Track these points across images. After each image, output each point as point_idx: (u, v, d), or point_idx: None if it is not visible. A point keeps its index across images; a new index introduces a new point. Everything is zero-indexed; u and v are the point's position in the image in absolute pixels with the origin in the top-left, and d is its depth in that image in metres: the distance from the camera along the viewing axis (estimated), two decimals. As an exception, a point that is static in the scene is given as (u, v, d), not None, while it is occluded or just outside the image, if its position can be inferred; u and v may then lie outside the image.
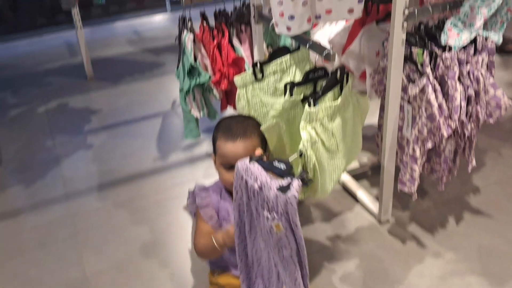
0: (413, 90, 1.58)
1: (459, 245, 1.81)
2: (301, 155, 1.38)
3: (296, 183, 1.15)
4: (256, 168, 1.20)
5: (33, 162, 2.53)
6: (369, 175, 2.22)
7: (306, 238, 1.87)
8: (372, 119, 1.95)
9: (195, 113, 2.02)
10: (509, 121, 2.56)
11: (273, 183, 1.17)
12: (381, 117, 1.87)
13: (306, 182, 1.18)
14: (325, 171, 1.47)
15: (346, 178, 2.14)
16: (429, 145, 1.59)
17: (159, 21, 4.70)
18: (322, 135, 1.41)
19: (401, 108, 1.70)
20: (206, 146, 2.52)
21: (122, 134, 2.73)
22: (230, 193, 1.50)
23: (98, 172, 2.41)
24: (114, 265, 1.85)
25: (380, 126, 1.87)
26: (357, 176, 2.18)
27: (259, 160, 1.22)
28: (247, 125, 1.48)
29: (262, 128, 1.46)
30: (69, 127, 2.85)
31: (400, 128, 1.76)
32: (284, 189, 1.15)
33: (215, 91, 2.00)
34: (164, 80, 3.38)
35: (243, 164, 1.22)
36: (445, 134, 1.52)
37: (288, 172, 1.20)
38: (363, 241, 1.86)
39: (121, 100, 3.12)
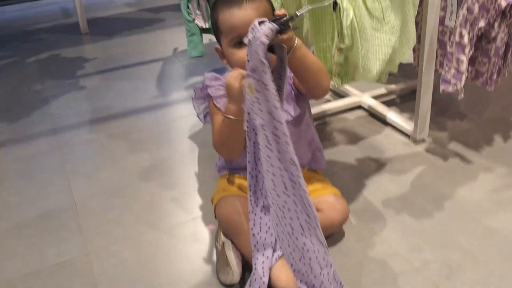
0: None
1: (511, 160, 1.55)
2: (334, 7, 1.13)
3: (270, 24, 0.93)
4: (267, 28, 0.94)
5: (21, 103, 2.27)
6: (398, 102, 1.96)
7: (329, 159, 1.62)
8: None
9: (200, 22, 1.77)
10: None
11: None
12: (418, 13, 1.62)
13: (290, 19, 0.96)
14: (367, 41, 1.21)
15: (372, 102, 1.89)
16: (481, 23, 1.34)
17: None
18: None
19: (444, -8, 1.45)
20: (211, 85, 2.27)
21: (118, 77, 2.47)
22: None
23: (91, 109, 2.15)
24: (107, 190, 1.58)
25: (416, 24, 1.62)
26: (384, 103, 1.92)
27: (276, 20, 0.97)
28: None
29: None
30: (60, 72, 2.59)
31: (441, 21, 1.51)
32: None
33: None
34: (164, 33, 3.13)
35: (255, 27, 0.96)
36: (503, 3, 1.27)
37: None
38: (397, 160, 1.60)
39: (117, 50, 2.86)
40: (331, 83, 1.34)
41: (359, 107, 1.93)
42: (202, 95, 1.31)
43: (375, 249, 1.24)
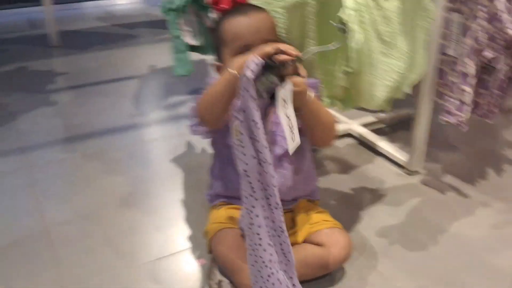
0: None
1: (508, 195, 1.51)
2: (343, 30, 1.06)
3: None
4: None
5: (-17, 117, 2.11)
6: (387, 131, 1.91)
7: (322, 189, 1.54)
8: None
9: (188, 39, 1.67)
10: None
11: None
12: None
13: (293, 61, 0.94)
14: (375, 67, 1.15)
15: (362, 130, 1.83)
16: (489, 53, 1.30)
17: (131, 1, 4.34)
18: (374, 11, 1.09)
19: (445, 22, 1.41)
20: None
21: (91, 92, 2.34)
22: None
23: (63, 126, 2.00)
24: (83, 215, 1.45)
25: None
26: (374, 131, 1.86)
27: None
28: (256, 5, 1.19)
29: (284, 5, 1.13)
30: (29, 86, 2.43)
31: (443, 50, 1.46)
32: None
33: (210, 14, 1.66)
34: (139, 49, 3.01)
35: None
36: (511, 32, 1.23)
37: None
38: (392, 191, 1.54)
39: (90, 64, 2.72)
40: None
41: (349, 134, 1.86)
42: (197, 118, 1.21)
43: (379, 289, 1.17)
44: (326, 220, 1.22)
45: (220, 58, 1.17)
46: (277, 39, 1.13)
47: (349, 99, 1.24)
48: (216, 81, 1.07)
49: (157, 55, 2.82)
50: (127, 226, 1.40)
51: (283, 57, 0.94)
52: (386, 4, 1.11)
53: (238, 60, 1.00)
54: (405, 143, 1.78)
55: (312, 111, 1.07)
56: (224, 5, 1.66)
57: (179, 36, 1.67)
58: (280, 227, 0.96)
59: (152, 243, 1.33)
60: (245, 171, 0.91)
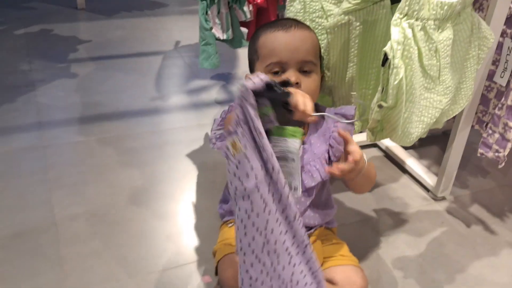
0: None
1: (538, 236, 1.43)
2: (384, 62, 0.97)
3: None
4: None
5: (4, 83, 2.06)
6: (416, 145, 1.82)
7: (341, 207, 1.47)
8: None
9: (217, 32, 1.58)
10: None
11: None
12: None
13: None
14: (414, 103, 1.06)
15: (390, 143, 1.74)
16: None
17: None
18: (421, 43, 0.99)
19: (498, 47, 1.30)
20: (215, 93, 2.09)
21: (114, 67, 2.27)
22: None
23: (82, 103, 1.95)
24: (92, 211, 1.40)
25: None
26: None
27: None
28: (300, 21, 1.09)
29: (326, 25, 1.04)
30: (51, 53, 2.37)
31: (490, 76, 1.36)
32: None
33: (245, 7, 1.56)
34: (166, 20, 2.92)
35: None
36: None
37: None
38: (415, 218, 1.46)
39: (115, 33, 2.65)
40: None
41: (375, 145, 1.78)
42: (221, 132, 1.13)
43: (391, 334, 1.11)
44: (343, 255, 1.15)
45: (252, 71, 1.10)
46: (317, 61, 1.05)
47: (380, 131, 1.15)
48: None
49: (184, 29, 2.73)
50: (137, 229, 1.35)
51: (292, 90, 0.85)
52: (437, 35, 1.00)
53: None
54: (435, 161, 1.69)
55: (364, 175, 0.99)
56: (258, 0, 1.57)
57: (208, 28, 1.58)
58: (303, 241, 0.87)
59: (160, 253, 1.28)
60: (256, 185, 0.83)
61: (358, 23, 1.07)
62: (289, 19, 1.11)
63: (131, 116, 1.89)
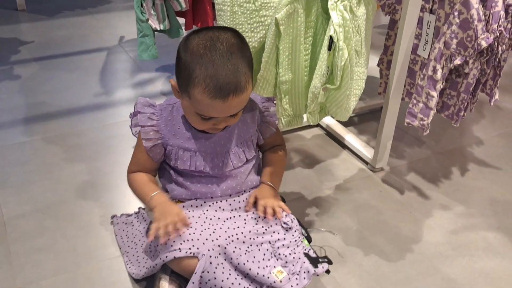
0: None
1: (468, 198, 1.52)
2: (330, 46, 1.02)
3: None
4: None
5: None
6: (356, 121, 1.89)
7: (285, 183, 1.53)
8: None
9: (154, 24, 1.61)
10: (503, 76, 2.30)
11: None
12: (389, 36, 1.54)
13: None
14: (352, 79, 1.12)
15: (330, 121, 1.81)
16: (458, 61, 1.27)
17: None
18: (351, 23, 1.05)
19: (419, 21, 1.37)
20: (161, 85, 2.11)
21: (57, 66, 2.27)
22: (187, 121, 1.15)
23: (25, 104, 1.95)
24: (39, 208, 1.42)
25: (386, 48, 1.54)
26: (342, 122, 1.84)
27: None
28: (236, 61, 1.02)
29: (278, 16, 1.06)
30: (-9, 56, 2.35)
31: (414, 49, 1.43)
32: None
33: (180, -2, 1.59)
34: (110, 16, 2.91)
35: None
36: (484, 44, 1.21)
37: None
38: (355, 189, 1.53)
39: (58, 33, 2.63)
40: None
41: (317, 124, 1.84)
42: (135, 122, 1.22)
43: (332, 298, 1.17)
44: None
45: (179, 88, 1.09)
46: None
47: (320, 113, 1.21)
48: (138, 164, 1.20)
49: (128, 24, 2.73)
50: (86, 222, 1.38)
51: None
52: (358, 12, 1.07)
53: (197, 125, 1.10)
54: (374, 135, 1.77)
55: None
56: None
57: (144, 20, 1.60)
58: None
59: (110, 242, 1.31)
60: None
61: (301, 10, 1.09)
62: (227, 71, 1.01)
63: (75, 113, 1.90)
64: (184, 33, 1.77)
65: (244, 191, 1.20)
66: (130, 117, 1.23)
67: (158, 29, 1.66)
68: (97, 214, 1.40)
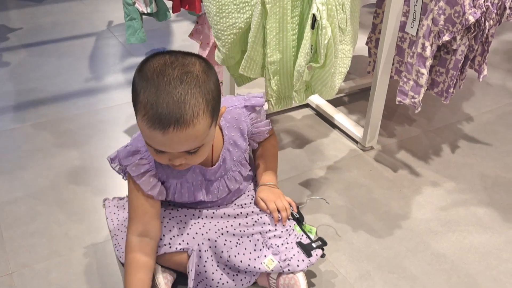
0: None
1: (458, 174, 1.53)
2: (313, 24, 1.02)
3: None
4: None
5: None
6: (346, 101, 1.90)
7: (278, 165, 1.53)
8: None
9: (140, 7, 1.60)
10: (493, 53, 2.31)
11: None
12: (377, 15, 1.54)
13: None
14: (337, 58, 1.12)
15: (320, 101, 1.81)
16: (446, 37, 1.27)
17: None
18: (334, 1, 1.05)
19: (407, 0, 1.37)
20: (150, 68, 2.10)
21: (46, 52, 2.25)
22: None
23: (15, 91, 1.94)
24: (31, 193, 1.42)
25: (374, 26, 1.54)
26: (331, 102, 1.84)
27: None
28: (185, 91, 0.90)
29: None
30: (-21, 43, 2.33)
31: (402, 27, 1.43)
32: None
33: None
34: (98, 1, 2.88)
35: None
36: (472, 19, 1.21)
37: None
38: (345, 168, 1.54)
39: (46, 19, 2.61)
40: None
41: (307, 105, 1.85)
42: (120, 170, 1.13)
43: (323, 274, 1.19)
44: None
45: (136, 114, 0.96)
46: (206, 134, 0.96)
47: (306, 91, 1.21)
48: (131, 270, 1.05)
49: (117, 9, 2.71)
50: (78, 207, 1.38)
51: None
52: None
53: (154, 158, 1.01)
54: (363, 115, 1.77)
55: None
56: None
57: (130, 3, 1.59)
58: None
59: (102, 226, 1.32)
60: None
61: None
62: (170, 101, 0.89)
63: (66, 99, 1.90)
64: (172, 16, 1.76)
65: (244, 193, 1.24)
66: (108, 161, 1.11)
67: (145, 12, 1.65)
68: (89, 199, 1.41)
